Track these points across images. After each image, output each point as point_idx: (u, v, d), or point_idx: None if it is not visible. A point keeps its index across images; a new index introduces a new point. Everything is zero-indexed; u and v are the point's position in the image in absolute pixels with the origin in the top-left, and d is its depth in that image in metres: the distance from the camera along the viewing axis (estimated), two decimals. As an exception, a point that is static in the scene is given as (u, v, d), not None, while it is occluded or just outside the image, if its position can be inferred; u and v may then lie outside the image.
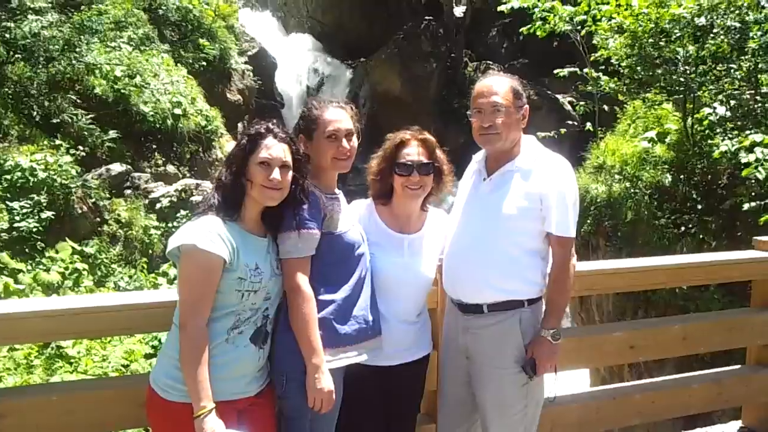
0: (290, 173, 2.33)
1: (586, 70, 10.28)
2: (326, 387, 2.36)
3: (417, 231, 2.81)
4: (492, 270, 2.64)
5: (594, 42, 9.75)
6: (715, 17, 7.49)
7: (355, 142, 2.57)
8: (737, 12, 7.43)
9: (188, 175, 10.24)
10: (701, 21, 7.51)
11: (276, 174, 2.27)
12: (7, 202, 7.64)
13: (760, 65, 7.59)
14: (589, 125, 10.79)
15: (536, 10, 9.71)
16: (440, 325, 3.00)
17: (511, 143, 2.69)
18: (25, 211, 7.64)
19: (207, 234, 2.18)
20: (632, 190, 8.89)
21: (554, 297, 2.65)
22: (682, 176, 8.62)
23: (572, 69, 10.66)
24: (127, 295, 3.28)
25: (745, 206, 6.17)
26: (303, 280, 2.38)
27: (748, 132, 6.29)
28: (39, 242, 7.62)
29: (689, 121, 8.77)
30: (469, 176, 2.88)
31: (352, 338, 2.49)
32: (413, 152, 2.72)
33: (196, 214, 2.30)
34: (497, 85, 2.67)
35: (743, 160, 5.71)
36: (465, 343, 2.73)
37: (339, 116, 2.54)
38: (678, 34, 7.86)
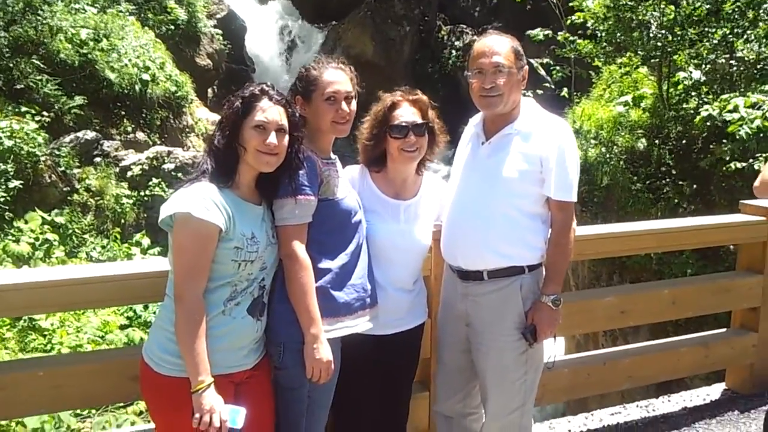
0: (286, 137, 2.22)
1: (561, 33, 10.20)
2: (325, 357, 2.30)
3: (413, 196, 2.74)
4: (493, 235, 2.59)
5: (570, 4, 9.66)
6: None
7: (354, 105, 2.46)
8: None
9: (159, 142, 9.97)
10: None
11: (272, 138, 2.17)
12: (-28, 172, 7.36)
13: (735, 29, 7.61)
14: (565, 91, 10.76)
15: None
16: (434, 292, 2.96)
17: (511, 105, 2.62)
18: (-9, 180, 7.36)
19: (201, 201, 2.08)
20: (608, 155, 8.93)
21: (555, 262, 2.61)
22: (657, 141, 8.67)
23: (547, 32, 10.58)
24: (101, 266, 3.19)
25: (733, 166, 6.23)
26: (300, 248, 2.30)
27: (727, 96, 6.33)
28: (7, 212, 7.37)
29: (665, 85, 8.80)
30: (466, 141, 2.80)
31: (351, 307, 2.43)
32: (407, 113, 2.64)
33: (188, 180, 2.18)
34: (498, 45, 2.58)
35: (728, 118, 5.78)
36: (465, 310, 2.69)
37: (339, 78, 2.43)
38: (655, -3, 7.84)
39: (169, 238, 2.16)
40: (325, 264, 2.39)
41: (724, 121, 6.08)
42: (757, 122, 5.52)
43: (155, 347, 2.17)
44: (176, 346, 2.08)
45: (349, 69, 2.51)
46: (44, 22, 9.44)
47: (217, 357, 2.12)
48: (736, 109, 5.66)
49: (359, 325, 2.47)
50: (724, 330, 4.02)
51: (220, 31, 14.53)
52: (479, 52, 2.59)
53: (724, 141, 6.76)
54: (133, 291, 2.57)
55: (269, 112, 2.18)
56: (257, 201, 2.27)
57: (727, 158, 6.68)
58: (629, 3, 8.28)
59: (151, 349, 2.19)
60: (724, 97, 6.39)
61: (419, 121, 2.63)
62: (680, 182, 8.11)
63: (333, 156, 2.54)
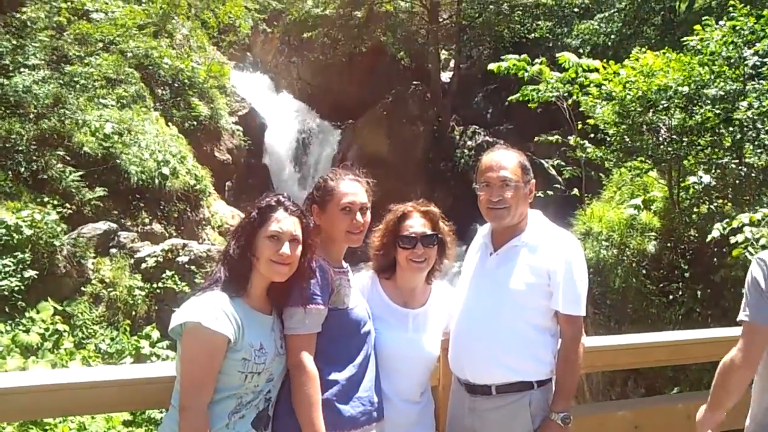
0: (299, 247, 2.27)
1: (572, 137, 10.44)
2: None
3: (422, 305, 2.75)
4: (501, 348, 2.57)
5: (581, 109, 9.93)
6: (702, 87, 7.67)
7: (368, 216, 2.53)
8: (724, 82, 7.61)
9: (175, 234, 10.13)
10: (685, 89, 7.69)
11: (286, 248, 2.22)
12: (-10, 261, 7.47)
13: (747, 134, 7.72)
14: (576, 191, 10.89)
15: (525, 75, 9.90)
16: (442, 403, 2.90)
17: (519, 218, 2.68)
18: (7, 269, 7.46)
19: (212, 311, 2.10)
20: (621, 257, 8.91)
21: (564, 378, 2.58)
22: (668, 244, 8.66)
23: (557, 136, 10.84)
24: (109, 369, 3.16)
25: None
26: (308, 359, 2.30)
27: (735, 214, 6.32)
28: (20, 302, 7.42)
29: (675, 189, 8.89)
30: (475, 251, 2.84)
31: (357, 421, 2.40)
32: (416, 224, 2.69)
33: (200, 289, 2.22)
34: (506, 159, 2.67)
35: (732, 242, 5.72)
36: (472, 425, 2.64)
37: (354, 189, 2.51)
38: (665, 105, 8.03)
39: (178, 347, 2.17)
40: (332, 376, 2.38)
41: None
42: (763, 241, 5.45)
43: (158, 459, 2.14)
44: None
45: (365, 181, 2.58)
46: (71, 116, 9.83)
47: None
48: (741, 228, 5.61)
49: (364, 439, 2.42)
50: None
51: (240, 128, 15.03)
52: (487, 166, 2.67)
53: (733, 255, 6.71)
54: (140, 396, 2.52)
55: (284, 222, 2.24)
56: (268, 310, 2.30)
57: (740, 275, 6.60)
58: (639, 109, 8.49)
59: (153, 461, 2.15)
60: (734, 215, 6.37)
61: (429, 232, 2.68)
62: (693, 286, 8.04)
63: (345, 265, 2.57)
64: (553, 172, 16.22)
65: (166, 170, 10.47)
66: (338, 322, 2.42)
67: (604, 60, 9.11)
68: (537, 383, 2.58)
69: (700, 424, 2.58)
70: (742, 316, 2.39)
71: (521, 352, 2.58)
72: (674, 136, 8.33)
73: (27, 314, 7.37)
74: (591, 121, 9.27)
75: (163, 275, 8.86)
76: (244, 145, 15.05)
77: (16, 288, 7.38)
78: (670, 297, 8.15)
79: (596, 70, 9.05)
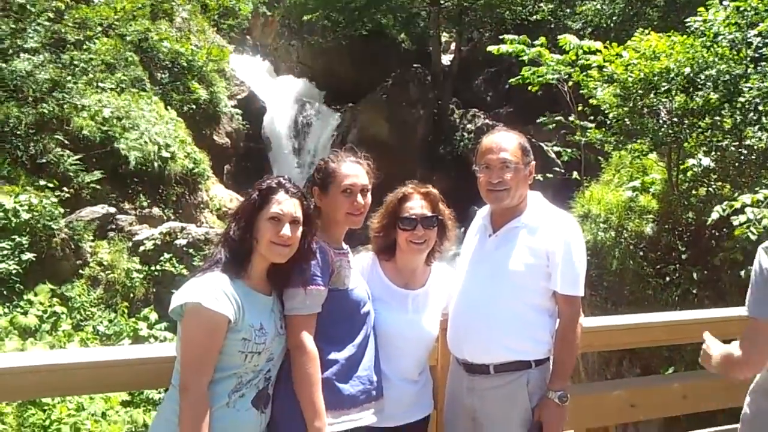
0: (300, 229, 2.27)
1: (572, 119, 10.40)
2: None
3: (421, 286, 2.76)
4: (499, 328, 2.59)
5: (582, 92, 9.89)
6: (704, 69, 7.62)
7: (369, 198, 2.53)
8: (727, 65, 7.57)
9: (173, 217, 10.14)
10: (687, 70, 7.65)
11: (286, 230, 2.22)
12: (-13, 244, 7.49)
13: (749, 117, 7.69)
14: (575, 174, 10.87)
15: (525, 57, 9.84)
16: (440, 383, 2.92)
17: (518, 199, 2.68)
18: (5, 252, 7.48)
19: (212, 291, 2.11)
20: (618, 239, 8.93)
21: (562, 357, 2.59)
22: (666, 226, 8.68)
23: (558, 118, 10.79)
24: (108, 350, 3.17)
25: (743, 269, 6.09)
26: (308, 339, 2.31)
27: (737, 194, 6.32)
28: (18, 284, 7.44)
29: (674, 171, 8.88)
30: (474, 232, 2.84)
31: (356, 400, 2.41)
32: (416, 206, 2.69)
33: (201, 270, 2.23)
34: (506, 141, 2.66)
35: (735, 223, 5.72)
36: (471, 404, 2.65)
37: (356, 171, 2.51)
38: (666, 87, 7.99)
39: (178, 327, 2.18)
40: (332, 355, 2.39)
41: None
42: (765, 222, 5.46)
43: (159, 439, 2.16)
44: None
45: (367, 163, 2.58)
46: (70, 100, 9.80)
47: None
48: (742, 209, 5.62)
49: (364, 418, 2.44)
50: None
51: (239, 111, 14.98)
52: (487, 148, 2.67)
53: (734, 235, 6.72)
54: (138, 376, 2.53)
55: (285, 204, 2.24)
56: (267, 291, 2.30)
57: (739, 258, 6.61)
58: (640, 91, 8.45)
59: (154, 441, 2.17)
60: (735, 195, 6.36)
61: (428, 214, 2.68)
62: (690, 268, 8.06)
63: (345, 246, 2.58)
64: (553, 155, 16.20)
65: (165, 154, 10.46)
66: (338, 303, 2.43)
67: (606, 42, 9.05)
68: (535, 362, 2.60)
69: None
70: (747, 310, 2.22)
71: (520, 332, 2.59)
72: (674, 119, 8.31)
73: (25, 297, 7.40)
74: (593, 101, 9.22)
75: (162, 258, 8.88)
76: (243, 129, 15.01)
77: (14, 271, 7.40)
78: (667, 279, 8.17)
79: (597, 51, 8.99)
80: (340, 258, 2.48)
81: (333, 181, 2.49)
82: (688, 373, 5.76)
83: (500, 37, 10.21)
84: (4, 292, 7.35)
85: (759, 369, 2.26)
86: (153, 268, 8.84)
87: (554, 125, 10.86)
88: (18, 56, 9.85)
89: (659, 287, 8.13)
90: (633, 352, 7.80)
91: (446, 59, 20.21)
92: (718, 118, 8.08)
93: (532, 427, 2.54)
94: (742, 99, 7.42)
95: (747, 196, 5.74)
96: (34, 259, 7.65)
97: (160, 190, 10.34)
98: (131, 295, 8.53)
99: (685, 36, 8.04)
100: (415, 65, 19.02)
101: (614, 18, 16.05)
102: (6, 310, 7.16)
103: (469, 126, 18.05)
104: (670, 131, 8.31)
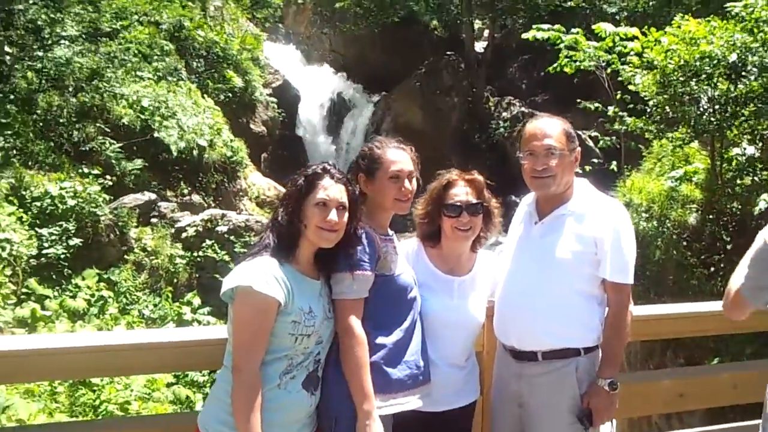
0: (346, 214, 2.29)
1: (611, 108, 10.23)
2: None
3: (467, 272, 2.76)
4: (546, 315, 2.58)
5: (620, 79, 9.72)
6: (749, 55, 7.42)
7: (414, 184, 2.54)
8: None
9: (213, 205, 10.29)
10: (733, 57, 7.45)
11: (333, 215, 2.24)
12: (36, 229, 7.70)
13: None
14: (614, 164, 10.70)
15: (562, 45, 9.71)
16: (486, 368, 2.93)
17: (564, 186, 2.65)
18: (53, 237, 7.70)
19: (263, 275, 2.14)
20: (661, 229, 8.78)
21: (611, 344, 2.57)
22: (710, 216, 8.50)
23: (597, 104, 10.63)
24: (157, 332, 3.25)
25: None
26: (356, 323, 2.33)
27: None
28: (66, 269, 7.66)
29: (717, 160, 8.68)
30: (519, 220, 2.83)
31: (404, 384, 2.43)
32: (461, 192, 2.68)
33: (250, 254, 2.26)
34: (550, 127, 2.63)
35: None
36: (519, 390, 2.65)
37: (401, 157, 2.52)
38: (708, 71, 7.80)
39: (229, 310, 2.22)
40: (380, 339, 2.41)
41: None
42: None
43: (211, 418, 2.20)
44: (232, 419, 2.11)
45: (410, 149, 2.59)
46: (109, 89, 9.98)
47: (271, 431, 2.13)
48: None
49: (411, 402, 2.46)
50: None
51: (274, 100, 15.07)
52: (531, 135, 2.64)
53: None
54: (188, 358, 2.61)
55: (331, 190, 2.26)
56: (315, 276, 2.33)
57: None
58: (681, 78, 8.27)
59: (207, 420, 2.22)
60: None
61: (473, 200, 2.67)
62: (735, 258, 7.88)
63: (391, 232, 2.59)
64: (591, 143, 15.97)
65: (203, 142, 10.60)
66: (385, 288, 2.44)
67: (644, 27, 8.87)
68: (584, 350, 2.58)
69: None
70: (741, 290, 2.44)
71: (567, 319, 2.58)
72: (716, 107, 8.11)
73: (73, 281, 7.61)
74: (632, 87, 9.05)
75: (203, 244, 9.03)
76: (278, 117, 15.11)
77: (62, 255, 7.62)
78: (711, 269, 8.02)
79: (634, 38, 8.82)
80: (387, 244, 2.50)
81: (380, 167, 2.49)
82: (737, 363, 5.66)
83: (533, 26, 10.06)
84: (54, 276, 7.57)
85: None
86: (195, 254, 8.99)
87: (595, 110, 10.68)
88: (58, 44, 10.05)
89: (704, 277, 7.98)
90: (678, 343, 7.68)
91: (480, 46, 19.99)
92: (762, 105, 7.87)
93: (582, 414, 2.53)
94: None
95: None
96: (81, 244, 7.85)
97: (199, 178, 10.50)
98: (175, 280, 8.70)
99: (725, 21, 7.83)
100: (448, 53, 18.88)
101: (651, 3, 15.69)
102: (56, 294, 7.38)
103: (504, 114, 17.87)
104: (712, 119, 8.12)
